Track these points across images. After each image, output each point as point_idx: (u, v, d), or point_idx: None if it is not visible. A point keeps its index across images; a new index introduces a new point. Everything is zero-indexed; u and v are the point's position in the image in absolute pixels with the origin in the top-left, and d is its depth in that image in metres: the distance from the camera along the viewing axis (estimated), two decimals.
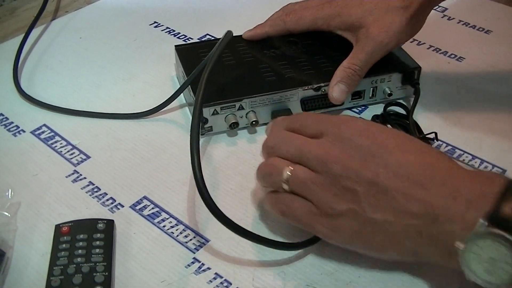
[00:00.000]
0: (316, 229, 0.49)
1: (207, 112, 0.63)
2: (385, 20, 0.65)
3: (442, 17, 0.91)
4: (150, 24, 0.86)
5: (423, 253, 0.46)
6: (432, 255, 0.45)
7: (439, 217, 0.43)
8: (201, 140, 0.65)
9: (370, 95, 0.69)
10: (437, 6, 0.93)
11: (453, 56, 0.82)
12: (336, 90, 0.65)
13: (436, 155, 0.48)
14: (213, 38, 0.82)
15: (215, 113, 0.63)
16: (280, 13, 0.72)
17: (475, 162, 0.64)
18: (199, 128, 0.55)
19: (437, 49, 0.83)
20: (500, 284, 0.42)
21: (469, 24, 0.90)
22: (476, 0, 0.96)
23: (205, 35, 0.83)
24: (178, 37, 0.83)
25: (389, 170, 0.45)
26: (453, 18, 0.91)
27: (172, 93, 0.67)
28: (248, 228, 0.52)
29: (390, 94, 0.69)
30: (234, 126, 0.64)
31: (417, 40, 0.84)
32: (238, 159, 0.63)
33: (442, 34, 0.86)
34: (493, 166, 0.63)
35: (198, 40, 0.82)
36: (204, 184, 0.50)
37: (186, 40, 0.82)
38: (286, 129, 0.52)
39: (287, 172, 0.49)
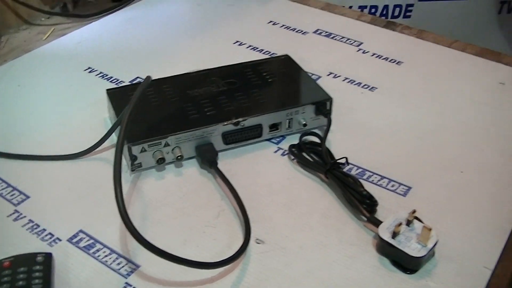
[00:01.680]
0: None
1: (136, 150, 0.68)
2: None
3: (358, 51, 0.98)
4: (85, 70, 0.91)
5: None
6: None
7: None
8: (132, 175, 0.70)
9: (287, 127, 0.76)
10: (353, 41, 1.01)
11: (366, 86, 0.89)
12: None
13: None
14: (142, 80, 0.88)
15: (143, 150, 0.69)
16: None
17: (383, 182, 0.70)
18: (120, 166, 0.60)
19: (352, 81, 0.90)
20: None
21: (382, 56, 0.97)
22: (389, 33, 1.04)
23: (136, 78, 0.89)
24: (111, 81, 0.88)
25: None
26: (368, 52, 0.98)
27: (104, 134, 0.73)
28: (175, 253, 0.58)
29: (305, 125, 0.76)
30: (161, 161, 0.69)
31: (333, 73, 0.91)
32: (166, 192, 0.68)
33: (357, 67, 0.94)
34: (400, 184, 0.70)
35: (129, 83, 0.87)
36: (126, 211, 0.56)
37: (118, 83, 0.87)
38: None
39: None
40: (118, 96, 0.77)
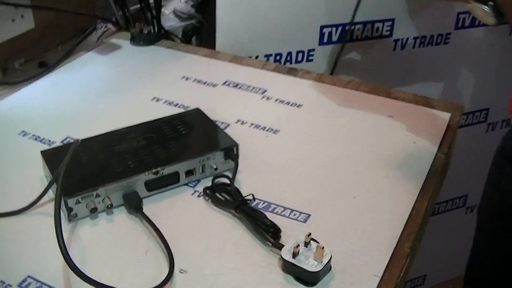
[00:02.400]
0: None
1: (71, 202, 0.79)
2: None
3: (262, 98, 1.12)
4: (19, 134, 1.01)
5: None
6: None
7: None
8: (70, 225, 0.81)
9: (201, 172, 0.88)
10: (258, 89, 1.14)
11: (270, 130, 1.02)
12: None
13: None
14: (72, 140, 0.98)
15: (77, 202, 0.79)
16: None
17: (286, 212, 0.83)
18: (59, 218, 0.71)
19: (257, 126, 1.03)
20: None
21: (284, 101, 1.11)
22: (291, 79, 1.18)
23: (66, 138, 0.99)
24: (44, 142, 0.98)
25: None
26: (271, 98, 1.12)
27: (42, 191, 0.83)
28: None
29: (216, 169, 0.88)
30: (94, 211, 0.81)
31: (240, 121, 1.04)
32: (100, 236, 0.79)
33: (261, 113, 1.07)
34: (300, 212, 0.83)
35: (61, 144, 0.97)
36: (67, 252, 0.67)
37: (51, 144, 0.98)
38: None
39: None
40: (52, 156, 0.87)
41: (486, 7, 0.77)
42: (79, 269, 0.67)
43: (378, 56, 1.56)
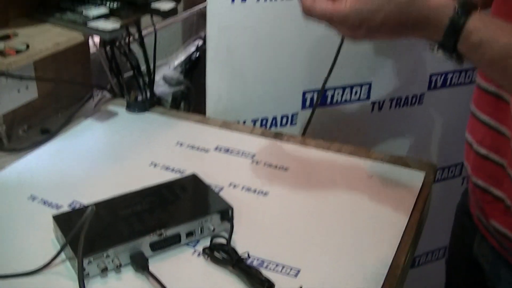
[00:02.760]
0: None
1: (84, 262, 0.87)
2: None
3: (251, 162, 1.21)
4: (28, 198, 1.09)
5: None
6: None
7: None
8: None
9: (200, 233, 0.96)
10: (247, 153, 1.23)
11: (260, 192, 1.11)
12: None
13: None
14: (79, 204, 1.06)
15: (89, 262, 0.87)
16: None
17: (279, 267, 0.91)
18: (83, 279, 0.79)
19: (248, 189, 1.12)
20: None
21: (271, 164, 1.20)
22: (277, 144, 1.28)
23: (73, 202, 1.07)
24: (52, 206, 1.06)
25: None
26: (260, 162, 1.21)
27: (53, 253, 0.91)
28: None
29: (213, 230, 0.97)
30: (104, 270, 0.89)
31: (233, 184, 1.13)
32: None
33: (251, 176, 1.16)
34: (291, 268, 0.91)
35: (68, 208, 1.05)
36: None
37: (58, 208, 1.05)
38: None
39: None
40: (64, 221, 0.95)
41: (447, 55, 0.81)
42: None
43: (357, 117, 1.67)
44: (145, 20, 1.40)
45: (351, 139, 1.37)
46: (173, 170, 1.17)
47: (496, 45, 0.75)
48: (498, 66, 0.76)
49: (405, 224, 1.01)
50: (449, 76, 1.76)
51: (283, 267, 0.92)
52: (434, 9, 0.77)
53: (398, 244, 0.97)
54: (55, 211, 1.03)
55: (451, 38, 0.76)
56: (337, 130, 1.63)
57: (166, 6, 1.26)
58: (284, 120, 1.56)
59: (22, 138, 1.31)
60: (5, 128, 1.27)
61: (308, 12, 0.83)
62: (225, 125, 1.36)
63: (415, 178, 1.15)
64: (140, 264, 0.90)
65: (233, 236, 0.97)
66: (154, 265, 0.91)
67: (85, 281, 0.88)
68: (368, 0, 0.78)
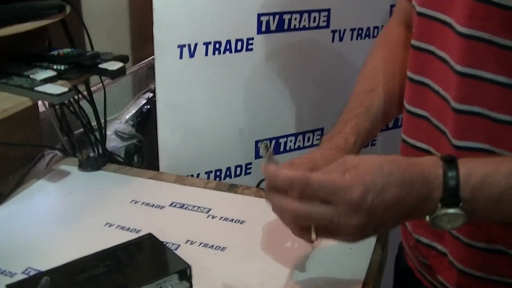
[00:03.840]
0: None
1: None
2: None
3: (208, 217, 1.21)
4: None
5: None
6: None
7: (412, 214, 0.76)
8: None
9: None
10: (203, 208, 1.23)
11: (217, 247, 1.10)
12: None
13: (401, 175, 0.74)
14: (33, 271, 1.04)
15: None
16: None
17: None
18: None
19: (206, 245, 1.11)
20: (458, 226, 0.74)
21: (228, 218, 1.20)
22: (232, 196, 1.28)
23: (27, 268, 1.05)
24: (5, 274, 1.03)
25: (384, 212, 0.74)
26: (216, 216, 1.21)
27: None
28: None
29: None
30: None
31: (190, 241, 1.12)
32: None
33: (208, 231, 1.16)
34: None
35: (23, 275, 1.02)
36: None
37: (12, 276, 1.03)
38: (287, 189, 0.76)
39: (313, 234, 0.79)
40: None
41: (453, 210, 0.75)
42: None
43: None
44: (95, 77, 1.40)
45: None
46: (128, 229, 1.16)
47: (499, 175, 0.74)
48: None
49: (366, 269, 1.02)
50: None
51: None
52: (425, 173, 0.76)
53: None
54: (9, 280, 1.00)
55: (452, 189, 0.74)
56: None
57: (113, 66, 1.26)
58: (238, 170, 1.57)
59: None
60: None
61: (300, 186, 0.75)
62: (179, 179, 1.35)
63: None
64: None
65: None
66: None
67: None
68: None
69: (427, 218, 0.76)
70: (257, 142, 1.57)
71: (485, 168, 0.75)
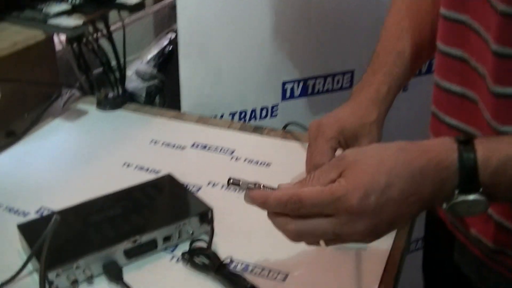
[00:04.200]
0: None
1: (52, 275, 0.80)
2: (371, 132, 0.89)
3: (231, 159, 1.14)
4: None
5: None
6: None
7: (430, 204, 0.68)
8: None
9: (177, 237, 0.89)
10: (226, 149, 1.16)
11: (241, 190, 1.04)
12: None
13: (407, 166, 0.66)
14: (46, 211, 0.99)
15: (57, 275, 0.80)
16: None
17: (265, 272, 0.85)
18: None
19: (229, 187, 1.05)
20: (480, 212, 0.66)
21: (252, 160, 1.13)
22: (257, 138, 1.21)
23: (40, 208, 1.00)
24: (18, 214, 0.99)
25: (393, 211, 0.67)
26: (240, 158, 1.14)
27: (21, 264, 0.84)
28: None
29: (192, 233, 0.90)
30: (75, 282, 0.81)
31: (212, 183, 1.06)
32: None
33: (231, 173, 1.08)
34: (279, 271, 0.85)
35: (36, 215, 0.97)
36: None
37: (25, 215, 0.98)
38: (284, 213, 0.69)
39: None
40: (29, 230, 0.88)
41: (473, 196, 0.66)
42: None
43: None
44: (115, 15, 1.33)
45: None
46: (147, 170, 1.10)
47: None
48: None
49: None
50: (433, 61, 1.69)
51: (269, 271, 0.85)
52: (438, 160, 0.67)
53: (393, 239, 0.90)
54: (22, 219, 0.95)
55: (470, 174, 0.66)
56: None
57: (132, 0, 1.18)
58: (264, 112, 1.50)
59: None
60: None
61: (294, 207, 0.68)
62: (202, 120, 1.29)
63: None
64: (114, 274, 0.83)
65: (214, 239, 0.90)
66: (129, 274, 0.84)
67: None
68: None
69: (444, 205, 0.68)
70: (284, 84, 1.49)
71: (506, 148, 0.66)
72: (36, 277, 0.84)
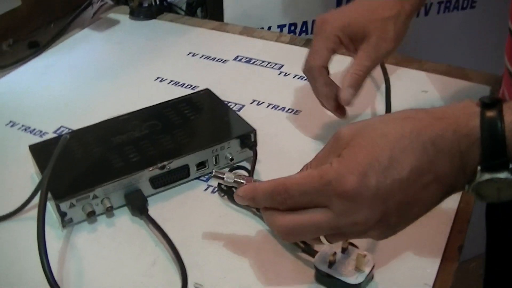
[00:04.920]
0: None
1: (64, 206, 0.67)
2: (383, 29, 0.75)
3: (279, 74, 0.99)
4: (6, 124, 0.90)
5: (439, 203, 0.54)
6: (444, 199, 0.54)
7: (451, 186, 0.52)
8: (64, 231, 0.69)
9: (214, 163, 0.76)
10: (274, 64, 1.02)
11: (290, 110, 0.90)
12: (346, 94, 0.74)
13: (415, 136, 0.51)
14: (66, 130, 0.87)
15: (71, 206, 0.68)
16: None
17: None
18: (43, 233, 0.60)
19: (276, 106, 0.91)
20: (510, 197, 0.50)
21: (303, 77, 0.98)
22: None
23: (60, 127, 0.88)
24: (34, 134, 0.87)
25: (400, 193, 0.51)
26: (289, 74, 0.99)
27: (33, 190, 0.71)
28: None
29: (232, 159, 0.76)
30: (91, 214, 0.69)
31: (256, 101, 0.91)
32: (99, 244, 0.68)
33: (279, 91, 0.95)
34: None
35: (54, 135, 0.86)
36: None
37: (42, 135, 0.86)
38: (273, 207, 0.56)
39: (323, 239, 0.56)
40: (41, 151, 0.76)
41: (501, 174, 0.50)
42: None
43: None
44: None
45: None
46: (183, 85, 0.97)
47: None
48: None
49: None
50: None
51: None
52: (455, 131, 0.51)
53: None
54: (38, 140, 0.83)
55: (495, 145, 0.50)
56: None
57: None
58: None
59: (6, 53, 1.11)
60: None
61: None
62: (246, 31, 1.14)
63: (479, 93, 0.92)
64: (137, 205, 0.71)
65: (257, 166, 0.76)
66: (155, 207, 0.72)
67: (67, 229, 0.69)
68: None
69: (466, 187, 0.52)
70: None
71: None
72: (48, 206, 0.72)
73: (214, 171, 0.63)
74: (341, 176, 0.51)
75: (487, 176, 0.50)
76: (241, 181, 0.62)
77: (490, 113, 0.50)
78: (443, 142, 0.51)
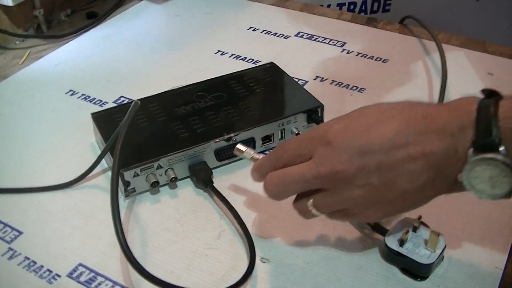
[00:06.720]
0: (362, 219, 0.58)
1: (128, 175, 0.66)
2: None
3: (342, 52, 0.97)
4: (66, 93, 0.89)
5: (434, 193, 0.52)
6: (441, 191, 0.51)
7: (440, 169, 0.49)
8: (127, 201, 0.68)
9: (280, 137, 0.74)
10: (336, 41, 0.99)
11: (354, 88, 0.87)
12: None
13: (406, 110, 0.51)
14: (126, 101, 0.86)
15: (135, 175, 0.66)
16: None
17: None
18: (117, 197, 0.59)
19: (340, 83, 0.88)
20: (505, 192, 0.48)
21: (367, 55, 0.96)
22: (371, 31, 1.03)
23: (120, 98, 0.86)
24: (94, 103, 0.86)
25: (381, 153, 0.50)
26: (352, 51, 0.97)
27: (94, 159, 0.70)
28: (179, 281, 0.56)
29: (298, 134, 0.74)
30: (155, 185, 0.67)
31: (320, 77, 0.89)
32: (162, 215, 0.66)
33: (343, 68, 0.92)
34: None
35: (114, 105, 0.84)
36: (126, 244, 0.54)
37: (102, 105, 0.85)
38: (273, 169, 0.56)
39: (310, 206, 0.55)
40: (104, 120, 0.75)
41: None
42: (138, 263, 0.54)
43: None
44: None
45: (454, 29, 1.11)
46: (244, 59, 0.95)
47: None
48: None
49: None
50: None
51: None
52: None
53: None
54: (99, 109, 0.82)
55: (488, 125, 0.48)
56: (439, 17, 1.35)
57: None
58: (376, 5, 1.31)
59: (64, 23, 1.11)
60: (44, 13, 1.06)
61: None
62: (307, 8, 1.11)
63: None
64: (202, 177, 0.69)
65: None
66: (220, 179, 0.71)
67: (130, 198, 0.68)
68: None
69: (460, 176, 0.49)
70: None
71: None
72: (109, 175, 0.71)
73: (238, 144, 0.63)
74: (328, 125, 0.53)
75: (478, 156, 0.47)
76: (257, 157, 0.61)
77: (486, 101, 0.49)
78: (435, 120, 0.49)
